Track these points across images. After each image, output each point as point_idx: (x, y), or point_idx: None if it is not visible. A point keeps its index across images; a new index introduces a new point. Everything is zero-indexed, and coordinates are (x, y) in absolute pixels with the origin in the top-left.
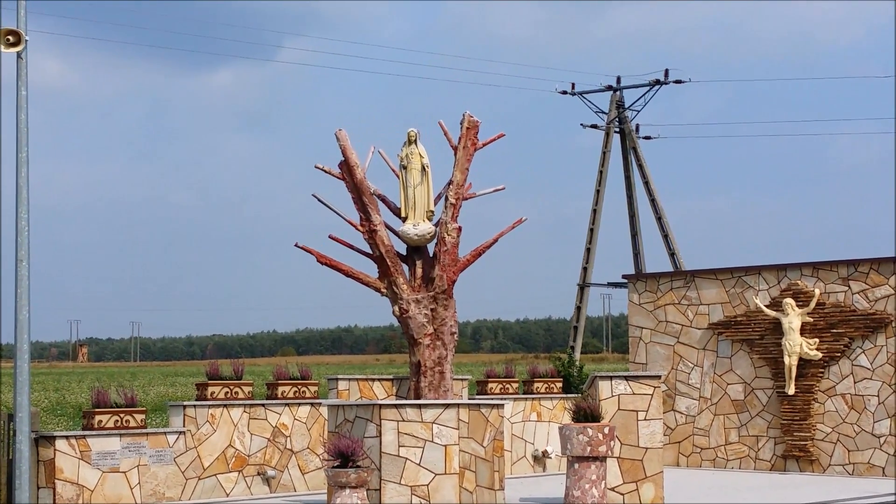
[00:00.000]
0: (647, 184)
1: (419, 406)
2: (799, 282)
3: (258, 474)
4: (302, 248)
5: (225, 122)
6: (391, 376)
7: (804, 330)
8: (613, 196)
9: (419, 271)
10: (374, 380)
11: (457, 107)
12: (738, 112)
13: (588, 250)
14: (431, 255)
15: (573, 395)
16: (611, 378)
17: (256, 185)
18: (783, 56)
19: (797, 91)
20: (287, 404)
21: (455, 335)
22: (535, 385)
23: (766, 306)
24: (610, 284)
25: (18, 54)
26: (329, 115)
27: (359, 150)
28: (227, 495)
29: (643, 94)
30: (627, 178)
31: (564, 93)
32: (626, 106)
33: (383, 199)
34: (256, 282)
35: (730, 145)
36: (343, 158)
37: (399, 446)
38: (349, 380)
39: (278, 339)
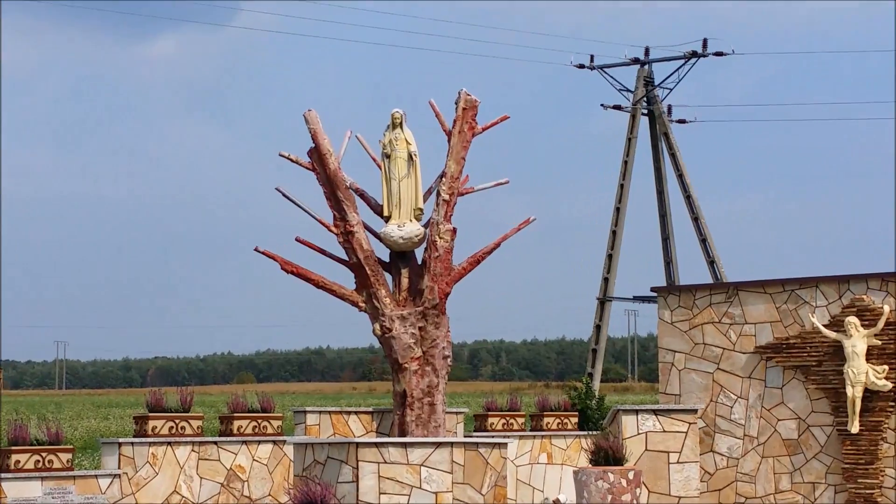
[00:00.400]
0: (680, 177)
1: (404, 445)
2: (864, 297)
3: None
4: (263, 253)
5: (169, 101)
6: (371, 409)
7: (871, 355)
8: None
9: (405, 282)
10: (349, 412)
11: (451, 83)
12: (789, 91)
13: (610, 257)
14: (420, 262)
15: (591, 433)
16: (636, 412)
17: (208, 176)
18: (846, 24)
19: (861, 66)
20: (244, 442)
21: (448, 359)
22: (546, 420)
23: (825, 326)
24: (636, 299)
25: None
26: (297, 93)
27: (332, 135)
28: None
29: (676, 69)
30: (658, 170)
31: (581, 66)
32: (657, 83)
33: (362, 195)
34: (208, 293)
35: (779, 130)
36: (313, 145)
37: (380, 493)
38: (320, 412)
39: (234, 363)
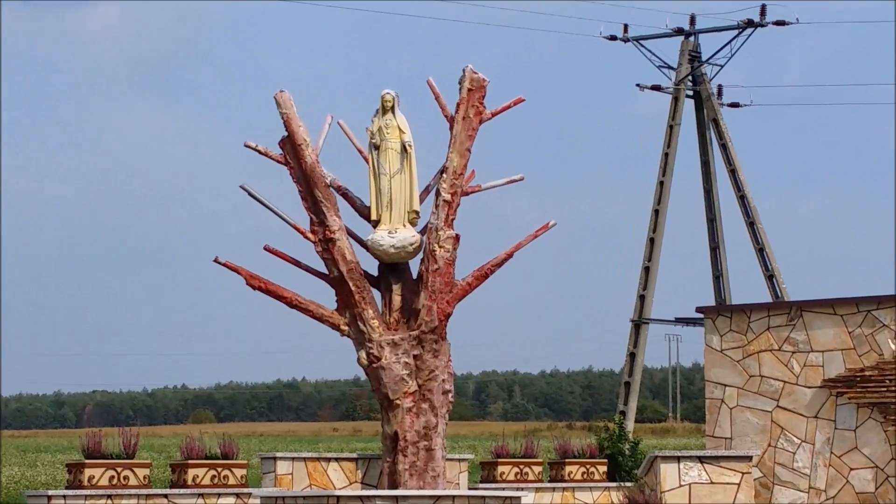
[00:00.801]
0: (733, 173)
1: (396, 499)
2: None
3: None
4: (224, 264)
5: (110, 80)
6: (355, 454)
7: None
8: (684, 191)
9: (397, 300)
10: (329, 459)
11: (454, 59)
12: (865, 69)
13: (647, 270)
14: (415, 276)
15: (623, 485)
16: (678, 459)
17: (157, 171)
18: None
19: None
20: (201, 495)
21: (450, 394)
22: (568, 469)
23: None
24: (678, 321)
25: None
26: (266, 71)
27: (309, 122)
28: None
29: (728, 42)
30: (705, 164)
31: (613, 38)
32: (704, 58)
33: (345, 194)
34: (159, 313)
35: (852, 117)
36: (286, 133)
37: None
38: (293, 459)
39: (189, 399)
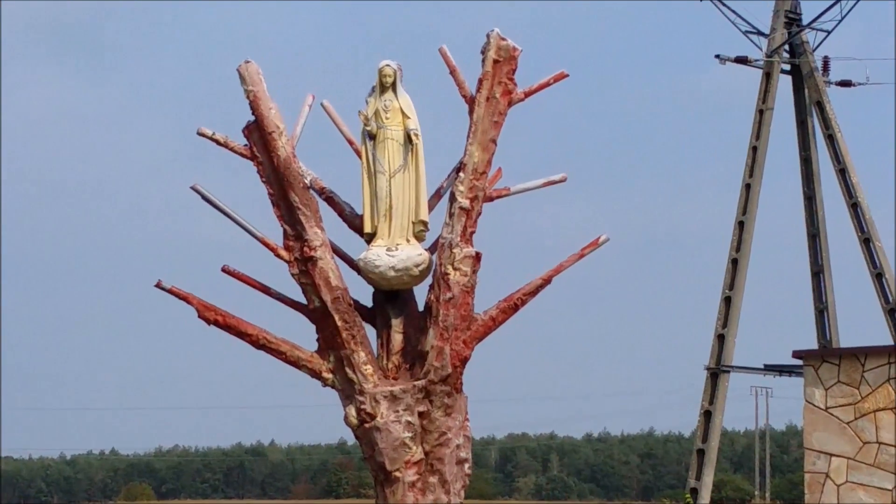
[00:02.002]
0: (842, 173)
1: None
2: None
3: None
4: (170, 291)
5: (23, 46)
6: None
7: None
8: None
9: (398, 339)
10: None
11: (474, 24)
12: None
13: (727, 302)
14: (423, 308)
15: None
16: None
17: (84, 162)
18: None
19: None
20: None
21: (466, 464)
22: None
23: None
24: (769, 369)
25: None
26: (226, 33)
27: (284, 103)
28: None
29: (836, 1)
30: (806, 161)
31: None
32: (806, 22)
33: (329, 199)
34: (79, 355)
35: None
36: (253, 118)
37: None
38: None
39: (121, 469)
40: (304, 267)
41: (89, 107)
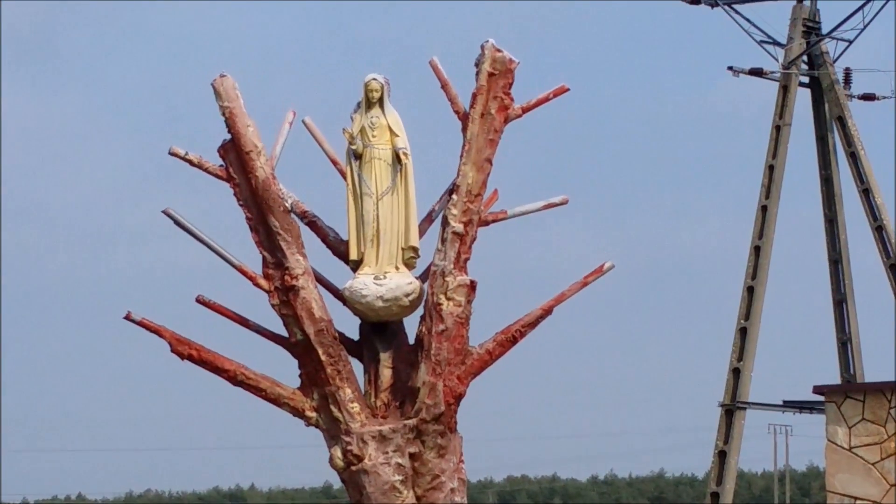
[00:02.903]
0: (866, 193)
1: None
2: None
3: None
4: (140, 323)
5: None
6: None
7: None
8: (796, 220)
9: (387, 375)
10: None
11: (469, 33)
12: None
13: (742, 334)
14: (413, 340)
15: None
16: None
17: (39, 184)
18: None
19: None
20: None
21: None
22: None
23: None
24: (788, 406)
25: None
26: (199, 47)
27: (263, 120)
28: None
29: (860, 7)
30: (827, 181)
31: (696, 2)
32: (826, 31)
33: (312, 224)
34: (40, 390)
35: None
36: (229, 136)
37: None
38: None
39: None
40: (286, 297)
41: (43, 121)
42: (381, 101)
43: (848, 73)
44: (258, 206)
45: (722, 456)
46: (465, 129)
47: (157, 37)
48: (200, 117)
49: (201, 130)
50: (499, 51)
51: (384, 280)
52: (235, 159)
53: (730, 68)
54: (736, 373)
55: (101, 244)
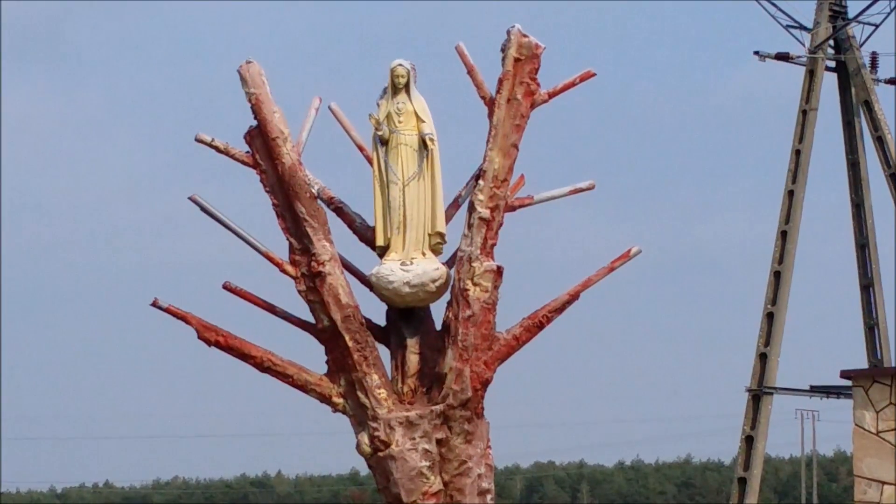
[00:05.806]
0: (892, 177)
1: None
2: None
3: None
4: (167, 310)
5: None
6: None
7: None
8: (823, 205)
9: (413, 361)
10: None
11: (493, 20)
12: None
13: (769, 318)
14: (440, 326)
15: None
16: None
17: (61, 175)
18: None
19: None
20: None
21: (489, 495)
22: None
23: None
24: (815, 391)
25: None
26: (224, 34)
27: (290, 107)
28: None
29: None
30: (854, 166)
31: None
32: (852, 15)
33: (339, 210)
34: (69, 379)
35: None
36: (255, 122)
37: None
38: None
39: (117, 502)
40: (312, 283)
41: (76, 118)
42: (407, 86)
43: (874, 57)
44: (284, 192)
45: (749, 441)
46: (491, 115)
47: (183, 27)
48: (221, 110)
49: (223, 124)
50: (525, 36)
51: (411, 266)
52: (262, 146)
53: (756, 53)
54: (763, 358)
55: (128, 231)
